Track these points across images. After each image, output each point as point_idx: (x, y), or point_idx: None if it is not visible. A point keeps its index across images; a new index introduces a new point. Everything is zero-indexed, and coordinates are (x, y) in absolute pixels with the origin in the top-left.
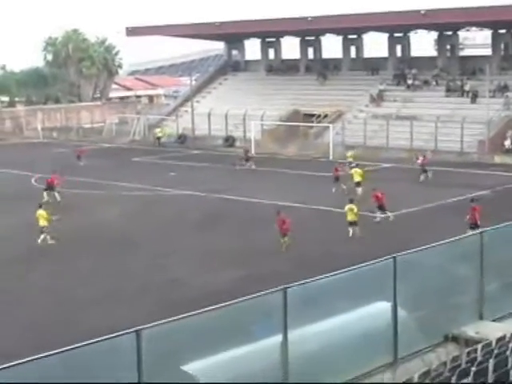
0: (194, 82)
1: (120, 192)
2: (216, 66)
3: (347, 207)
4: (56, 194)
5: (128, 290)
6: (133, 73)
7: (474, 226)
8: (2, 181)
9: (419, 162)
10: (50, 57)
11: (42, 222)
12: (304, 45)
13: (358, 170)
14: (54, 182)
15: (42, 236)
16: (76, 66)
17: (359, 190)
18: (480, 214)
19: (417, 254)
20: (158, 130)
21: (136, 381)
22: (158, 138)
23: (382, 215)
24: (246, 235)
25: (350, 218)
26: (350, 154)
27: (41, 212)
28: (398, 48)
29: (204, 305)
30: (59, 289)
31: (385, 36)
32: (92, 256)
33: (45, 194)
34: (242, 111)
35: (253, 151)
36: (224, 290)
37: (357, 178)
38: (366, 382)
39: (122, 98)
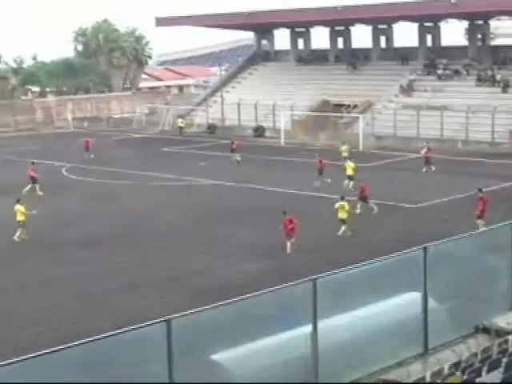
0: (223, 72)
1: (150, 182)
2: (246, 55)
3: (338, 204)
4: (37, 187)
5: (156, 279)
6: (162, 63)
7: (481, 215)
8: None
9: (423, 153)
10: (80, 47)
11: (19, 217)
12: (333, 35)
13: (351, 164)
14: (33, 175)
15: (18, 232)
16: (106, 57)
17: (351, 183)
18: (487, 203)
19: (447, 244)
20: (180, 120)
21: (166, 369)
22: (180, 128)
23: (368, 206)
24: (275, 226)
25: (341, 215)
26: (344, 148)
27: (18, 207)
28: (429, 37)
29: (233, 295)
30: (87, 278)
31: (415, 25)
32: (121, 245)
33: (37, 187)
34: (272, 101)
35: (282, 141)
36: (253, 281)
37: (349, 172)
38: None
39: (151, 88)
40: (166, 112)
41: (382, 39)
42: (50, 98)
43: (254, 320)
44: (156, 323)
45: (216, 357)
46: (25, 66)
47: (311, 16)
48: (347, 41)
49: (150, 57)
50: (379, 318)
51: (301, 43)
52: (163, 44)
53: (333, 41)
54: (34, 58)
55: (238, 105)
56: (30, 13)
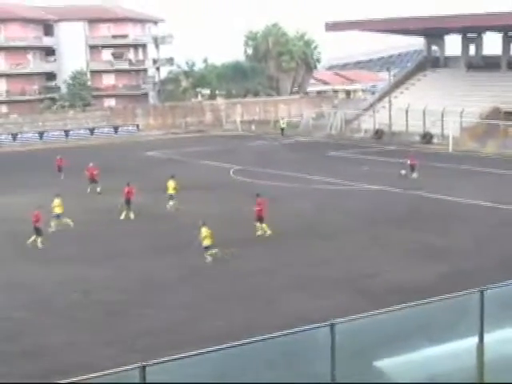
0: (392, 78)
1: (313, 185)
2: (415, 61)
3: (203, 230)
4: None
5: (326, 280)
6: (331, 67)
7: (260, 219)
8: (204, 172)
9: (408, 162)
10: (250, 51)
11: (58, 210)
12: (506, 41)
13: (172, 183)
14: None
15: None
16: (275, 60)
17: (171, 203)
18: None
19: None
20: (281, 121)
21: (329, 372)
22: (282, 129)
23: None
24: (444, 232)
25: (206, 242)
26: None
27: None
28: None
29: (398, 301)
30: (256, 275)
31: None
32: (289, 245)
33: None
34: (441, 108)
35: (450, 148)
36: (422, 287)
37: (170, 191)
38: None
39: (319, 93)
40: (334, 116)
41: None
42: (220, 101)
43: (420, 328)
44: (320, 327)
45: (379, 364)
46: (196, 68)
47: (484, 21)
48: None
49: (318, 61)
50: None
51: (472, 49)
52: (332, 48)
53: (505, 47)
54: (205, 61)
55: (406, 111)
56: (201, 16)
